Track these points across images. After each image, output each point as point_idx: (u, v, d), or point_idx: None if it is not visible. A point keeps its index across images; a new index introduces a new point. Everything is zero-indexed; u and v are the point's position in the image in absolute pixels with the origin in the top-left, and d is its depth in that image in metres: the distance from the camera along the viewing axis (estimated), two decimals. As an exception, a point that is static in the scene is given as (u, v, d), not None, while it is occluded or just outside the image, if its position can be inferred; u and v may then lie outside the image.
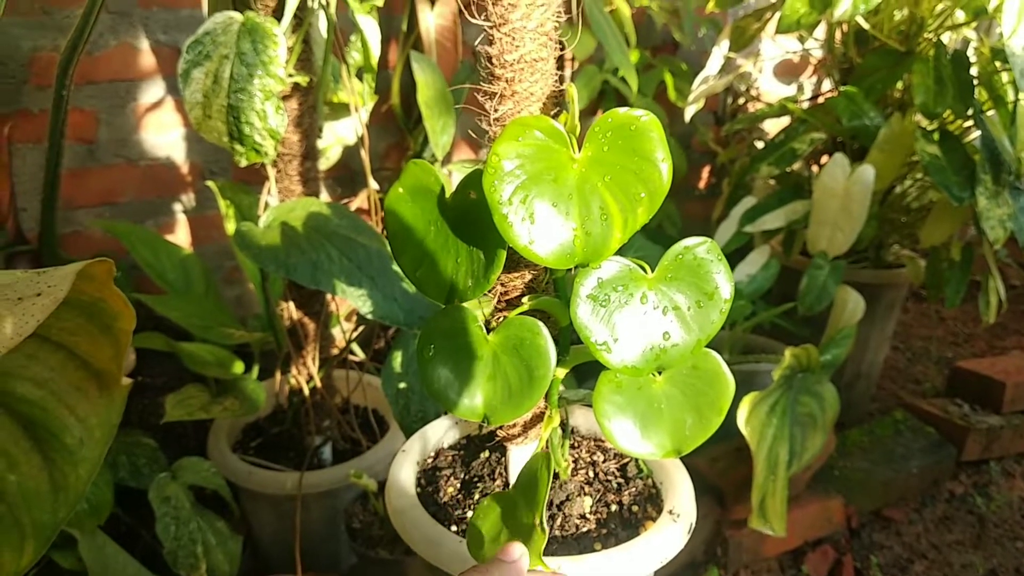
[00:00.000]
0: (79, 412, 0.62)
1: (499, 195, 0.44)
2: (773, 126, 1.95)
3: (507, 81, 0.48)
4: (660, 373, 0.54)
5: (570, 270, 0.52)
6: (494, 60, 0.48)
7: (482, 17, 0.48)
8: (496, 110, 0.50)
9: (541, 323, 0.50)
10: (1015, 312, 2.33)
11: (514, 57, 0.48)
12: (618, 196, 0.46)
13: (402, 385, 0.87)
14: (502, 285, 0.54)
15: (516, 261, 0.53)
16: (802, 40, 1.70)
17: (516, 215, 0.45)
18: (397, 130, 1.59)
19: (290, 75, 0.85)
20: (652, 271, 0.50)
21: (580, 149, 0.46)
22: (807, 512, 1.33)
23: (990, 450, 1.57)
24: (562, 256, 0.46)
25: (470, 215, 0.49)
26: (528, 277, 0.54)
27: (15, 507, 0.59)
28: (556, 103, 0.51)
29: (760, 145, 1.85)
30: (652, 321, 0.49)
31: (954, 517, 1.46)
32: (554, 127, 0.45)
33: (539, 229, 0.45)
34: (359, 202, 1.37)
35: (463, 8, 0.47)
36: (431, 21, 1.39)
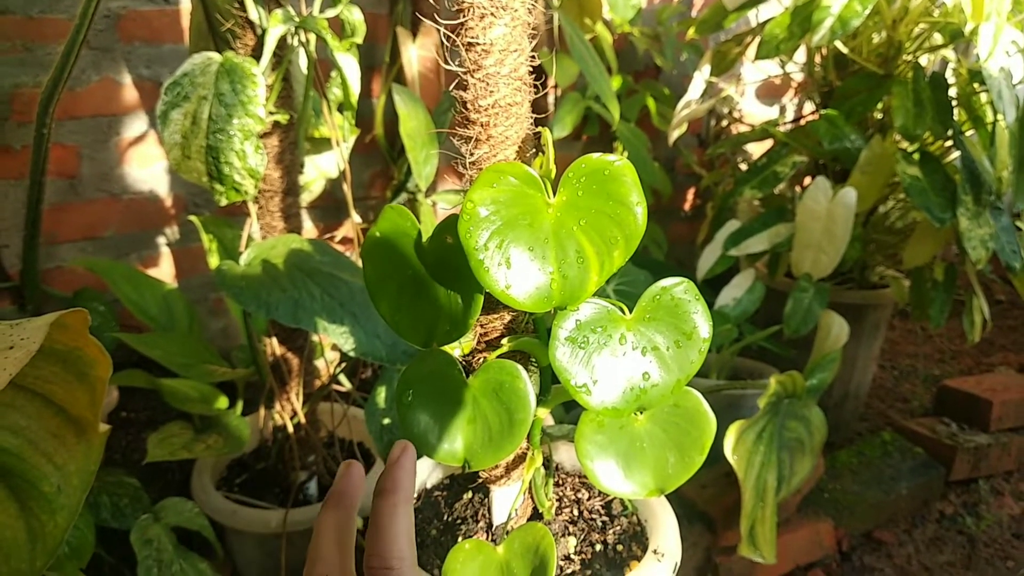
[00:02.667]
0: (56, 460, 0.61)
1: (475, 241, 0.44)
2: (757, 148, 1.96)
3: (482, 125, 0.48)
4: (641, 412, 0.53)
5: (549, 312, 0.51)
6: (469, 105, 0.48)
7: (456, 63, 0.48)
8: (472, 154, 0.50)
9: (520, 367, 0.50)
10: (1002, 328, 2.35)
11: (489, 102, 0.48)
12: (594, 239, 0.46)
13: (386, 421, 0.87)
14: (482, 326, 0.54)
15: (495, 303, 0.52)
16: (783, 64, 1.71)
17: (492, 260, 0.44)
18: (381, 159, 1.59)
19: (270, 113, 0.85)
20: (631, 312, 0.50)
21: (555, 193, 0.46)
22: (797, 536, 1.33)
23: (978, 469, 1.57)
24: (539, 300, 0.46)
25: (447, 260, 0.49)
26: (508, 318, 0.54)
27: (-9, 558, 0.58)
28: (532, 145, 0.51)
29: (744, 167, 1.86)
30: (631, 362, 0.49)
31: (944, 538, 1.46)
32: (528, 173, 0.45)
33: (515, 274, 0.45)
34: (343, 233, 1.37)
35: (439, 53, 0.47)
36: (413, 53, 1.40)
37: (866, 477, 1.47)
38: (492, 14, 0.46)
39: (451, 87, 0.49)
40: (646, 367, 0.49)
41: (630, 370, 0.49)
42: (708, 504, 1.30)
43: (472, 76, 0.47)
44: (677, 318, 0.50)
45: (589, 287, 0.46)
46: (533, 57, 0.49)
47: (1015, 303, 2.47)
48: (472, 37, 0.46)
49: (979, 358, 2.16)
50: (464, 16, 0.46)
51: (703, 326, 0.50)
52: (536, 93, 0.50)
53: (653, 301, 0.50)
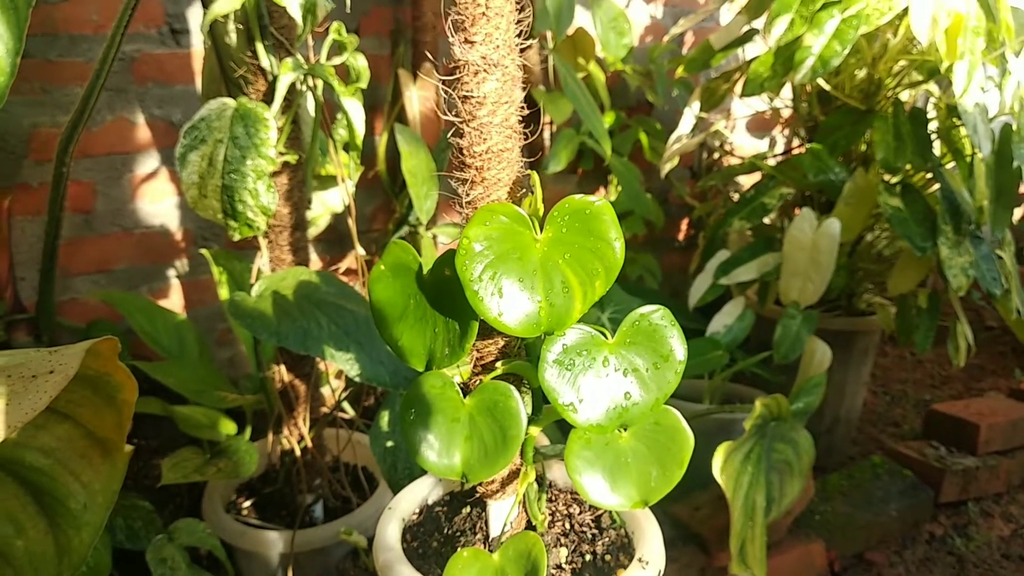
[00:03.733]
0: (83, 478, 0.65)
1: (470, 273, 0.49)
2: (748, 179, 2.03)
3: (477, 169, 0.54)
4: (625, 429, 0.58)
5: (539, 337, 0.56)
6: (464, 151, 0.53)
7: (453, 113, 0.53)
8: (468, 194, 0.55)
9: (512, 387, 0.55)
10: (992, 354, 2.39)
11: (482, 148, 0.53)
12: (577, 271, 0.51)
13: (390, 444, 0.91)
14: (478, 351, 0.59)
15: (489, 330, 0.57)
16: (770, 99, 1.78)
17: (486, 291, 0.50)
18: (384, 194, 1.65)
19: (281, 153, 0.91)
20: (613, 336, 0.54)
21: (542, 230, 0.51)
22: (789, 557, 1.36)
23: (967, 491, 1.61)
24: (529, 326, 0.51)
25: (445, 290, 0.54)
26: (501, 343, 0.59)
27: (21, 571, 0.63)
28: (523, 186, 0.57)
29: (736, 197, 1.92)
30: (614, 382, 0.54)
31: (934, 559, 1.49)
32: (518, 212, 0.51)
33: (507, 303, 0.50)
34: (347, 264, 1.42)
35: (437, 105, 0.53)
36: (414, 94, 1.46)
37: (856, 499, 1.51)
38: (485, 70, 0.51)
39: (449, 133, 0.54)
40: (627, 387, 0.54)
41: (613, 390, 0.54)
42: (701, 525, 1.34)
43: (467, 125, 0.53)
44: (655, 342, 0.55)
45: (574, 314, 0.51)
46: (523, 107, 0.54)
47: (1006, 330, 2.51)
48: (467, 91, 0.52)
49: (969, 383, 2.20)
50: (460, 72, 0.52)
51: (679, 349, 0.55)
52: (527, 137, 0.56)
53: (633, 327, 0.55)
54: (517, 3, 0.52)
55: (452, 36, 0.51)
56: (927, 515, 1.57)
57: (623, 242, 0.50)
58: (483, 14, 0.50)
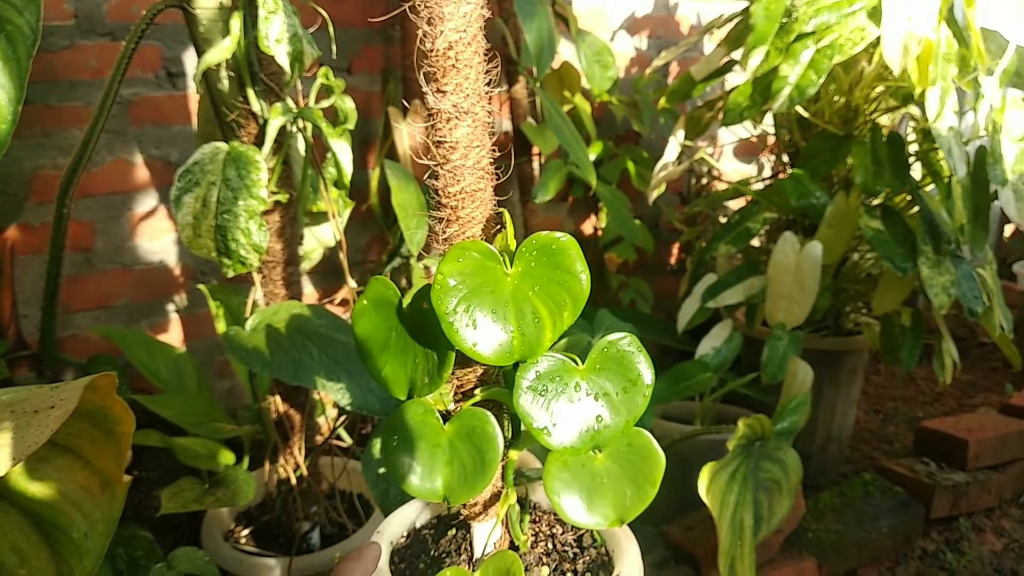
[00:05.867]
0: (84, 508, 0.68)
1: (446, 307, 0.53)
2: (736, 203, 2.07)
3: (452, 208, 0.57)
4: (600, 451, 0.61)
5: (514, 365, 0.60)
6: (440, 192, 0.57)
7: (428, 157, 0.57)
8: (444, 232, 0.58)
9: (489, 413, 0.58)
10: (984, 370, 2.41)
11: (456, 189, 0.57)
12: (547, 302, 0.54)
13: (382, 470, 0.94)
14: (457, 379, 0.62)
15: (466, 359, 0.60)
16: (754, 126, 1.82)
17: (461, 322, 0.53)
18: (377, 226, 1.69)
19: (272, 192, 0.95)
20: (583, 363, 0.58)
21: (512, 265, 0.55)
22: (782, 575, 1.38)
23: (958, 506, 1.63)
24: (502, 355, 0.54)
25: (424, 322, 0.57)
26: (479, 371, 0.62)
27: (25, 600, 0.65)
28: (496, 223, 0.60)
29: (723, 222, 1.96)
30: (585, 406, 0.57)
31: (927, 574, 1.51)
32: (488, 248, 0.54)
33: (481, 333, 0.53)
34: (342, 295, 1.45)
35: (414, 150, 0.56)
36: (404, 129, 1.50)
37: (847, 516, 1.53)
38: (456, 117, 0.55)
39: (425, 177, 0.58)
40: (598, 411, 0.57)
41: (584, 413, 0.57)
42: (693, 545, 1.36)
43: (442, 168, 0.56)
44: (623, 367, 0.58)
45: (545, 343, 0.55)
46: (494, 150, 0.58)
47: (998, 346, 2.54)
48: (440, 136, 0.55)
49: (962, 399, 2.22)
50: (433, 119, 0.55)
51: (646, 373, 0.58)
52: (500, 177, 0.59)
53: (602, 353, 0.58)
54: (486, 54, 0.56)
55: (425, 86, 0.54)
56: (919, 531, 1.59)
57: (588, 274, 0.54)
58: (453, 66, 0.53)
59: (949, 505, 1.62)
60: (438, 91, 0.54)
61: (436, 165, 0.57)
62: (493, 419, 0.58)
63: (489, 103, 0.56)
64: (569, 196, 1.98)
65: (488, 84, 0.56)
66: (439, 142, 0.56)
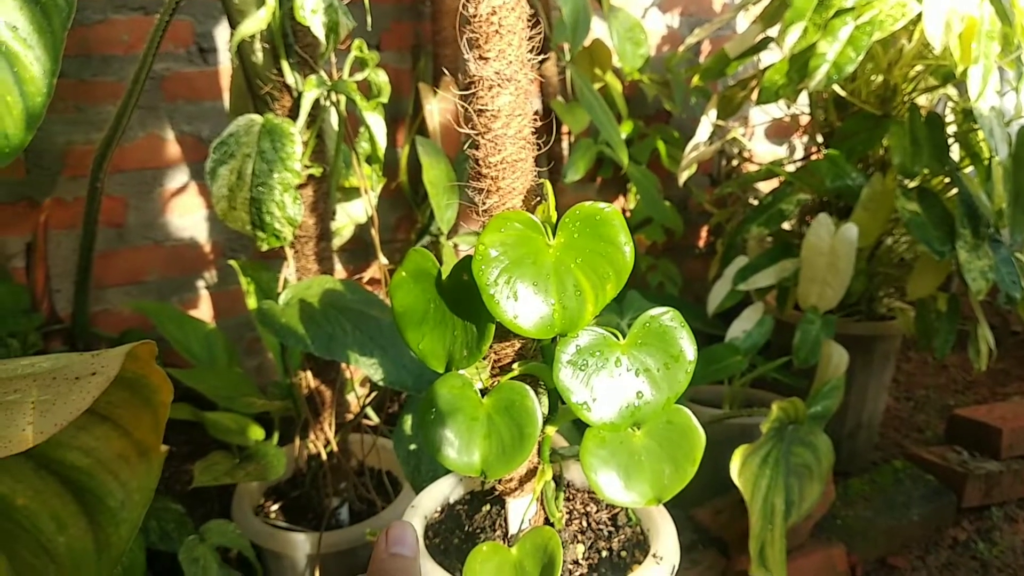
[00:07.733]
0: (121, 477, 0.68)
1: (487, 278, 0.52)
2: (767, 185, 2.04)
3: (492, 179, 0.56)
4: (638, 428, 0.60)
5: (553, 339, 0.59)
6: (480, 162, 0.56)
7: (469, 126, 0.56)
8: (484, 203, 0.57)
9: (528, 387, 0.57)
10: (1018, 358, 2.37)
11: (497, 159, 0.56)
12: (589, 275, 0.53)
13: (413, 447, 0.94)
14: (495, 353, 0.61)
15: (506, 332, 0.60)
16: (788, 106, 1.79)
17: (502, 294, 0.52)
18: (406, 204, 1.69)
19: (306, 166, 0.94)
20: (624, 338, 0.57)
21: (555, 236, 0.54)
22: (811, 561, 1.37)
23: (991, 496, 1.60)
24: (543, 328, 0.53)
25: (463, 294, 0.56)
26: (518, 345, 0.61)
27: (63, 567, 0.65)
28: (536, 194, 0.59)
29: (754, 204, 1.93)
30: (626, 382, 0.56)
31: (958, 563, 1.49)
32: (531, 219, 0.53)
33: (522, 306, 0.52)
34: (371, 273, 1.45)
35: (455, 118, 0.55)
36: (435, 106, 1.49)
37: (878, 504, 1.51)
38: (499, 85, 0.54)
39: (466, 145, 0.57)
40: (639, 386, 0.56)
41: (625, 389, 0.56)
42: (722, 529, 1.35)
43: (483, 137, 0.55)
44: (665, 343, 0.57)
45: (587, 316, 0.54)
46: (537, 119, 0.57)
47: (1033, 334, 2.49)
48: (482, 105, 0.54)
49: (994, 388, 2.18)
50: (475, 87, 0.54)
51: (689, 350, 0.57)
52: (541, 147, 0.58)
53: (644, 328, 0.57)
54: (529, 20, 0.55)
55: (467, 53, 0.53)
56: (950, 520, 1.57)
57: (632, 246, 0.53)
58: (496, 32, 0.52)
59: (981, 494, 1.60)
60: (480, 58, 0.53)
61: (477, 135, 0.55)
62: (533, 393, 0.57)
63: (538, 68, 0.54)
64: (597, 176, 1.96)
65: (532, 51, 0.55)
66: (481, 111, 0.54)
